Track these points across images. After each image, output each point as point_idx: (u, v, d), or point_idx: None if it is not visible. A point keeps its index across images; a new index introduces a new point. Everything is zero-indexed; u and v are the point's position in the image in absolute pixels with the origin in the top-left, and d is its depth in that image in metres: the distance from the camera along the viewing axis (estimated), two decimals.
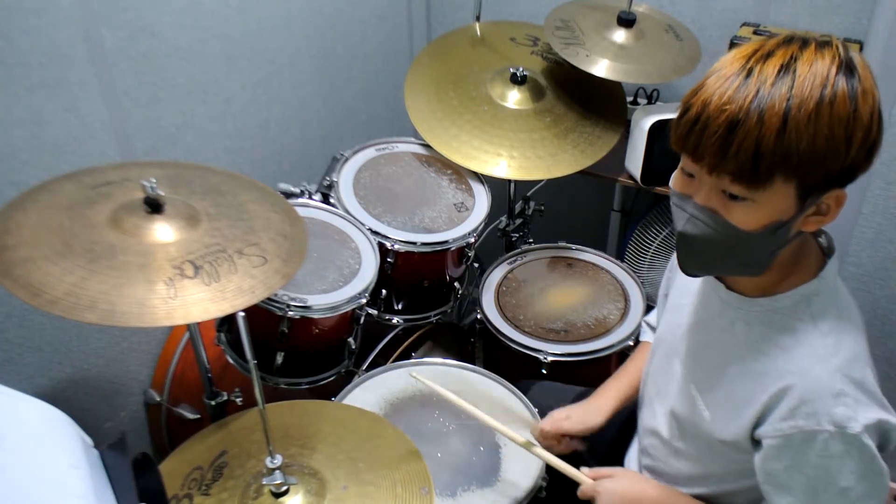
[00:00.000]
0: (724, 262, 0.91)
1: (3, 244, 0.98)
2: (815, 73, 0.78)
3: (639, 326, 1.60)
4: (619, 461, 1.30)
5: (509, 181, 1.83)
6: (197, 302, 0.99)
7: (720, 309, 1.00)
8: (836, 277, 0.94)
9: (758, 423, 0.92)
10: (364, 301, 1.42)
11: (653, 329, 1.37)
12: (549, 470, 1.23)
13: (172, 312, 0.97)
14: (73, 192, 1.10)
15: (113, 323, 0.93)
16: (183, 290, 1.00)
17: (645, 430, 1.19)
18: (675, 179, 0.91)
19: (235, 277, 1.05)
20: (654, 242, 1.92)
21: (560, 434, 1.24)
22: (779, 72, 0.79)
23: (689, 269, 0.95)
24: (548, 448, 1.22)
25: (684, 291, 1.10)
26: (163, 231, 1.06)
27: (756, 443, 0.93)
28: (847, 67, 0.79)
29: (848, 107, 0.78)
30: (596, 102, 1.73)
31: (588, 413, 1.25)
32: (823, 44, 0.81)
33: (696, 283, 1.06)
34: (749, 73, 0.80)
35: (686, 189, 0.89)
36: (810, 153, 0.78)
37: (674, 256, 1.19)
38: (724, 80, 0.81)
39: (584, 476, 1.13)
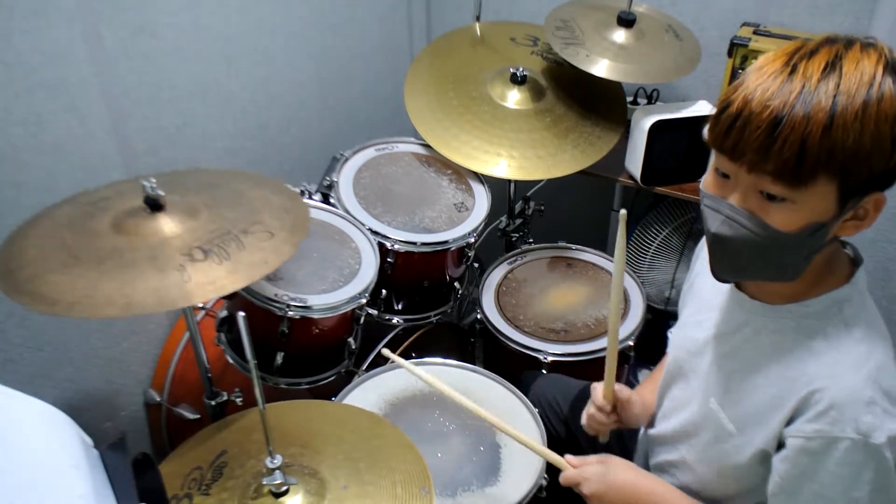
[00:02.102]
0: (759, 266, 0.88)
1: (10, 268, 1.02)
2: (861, 71, 0.77)
3: (638, 326, 1.60)
4: None
5: (509, 181, 1.83)
6: (213, 280, 1.02)
7: (745, 319, 0.98)
8: (864, 286, 0.93)
9: (786, 426, 0.90)
10: (364, 301, 1.42)
11: None
12: (550, 470, 1.23)
13: (190, 294, 1.00)
14: (69, 211, 1.14)
15: (132, 313, 0.96)
16: (196, 273, 1.02)
17: (658, 450, 1.17)
18: (707, 181, 0.89)
19: (245, 254, 1.08)
20: (654, 242, 1.92)
21: (615, 407, 1.18)
22: (824, 69, 0.77)
23: (722, 273, 0.93)
24: (594, 413, 1.19)
25: (701, 307, 1.08)
26: (166, 226, 1.08)
27: (779, 445, 0.92)
28: (893, 68, 0.78)
29: (895, 106, 0.77)
30: (596, 102, 1.73)
31: (645, 409, 1.20)
32: (868, 44, 0.79)
33: (716, 297, 1.04)
34: (793, 70, 0.78)
35: (720, 190, 0.87)
36: (856, 152, 0.76)
37: (691, 272, 1.19)
38: (767, 76, 0.79)
39: (566, 463, 1.11)
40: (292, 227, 1.16)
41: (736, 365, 0.99)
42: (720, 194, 0.87)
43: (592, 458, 1.11)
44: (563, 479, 1.11)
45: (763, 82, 0.79)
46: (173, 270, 1.02)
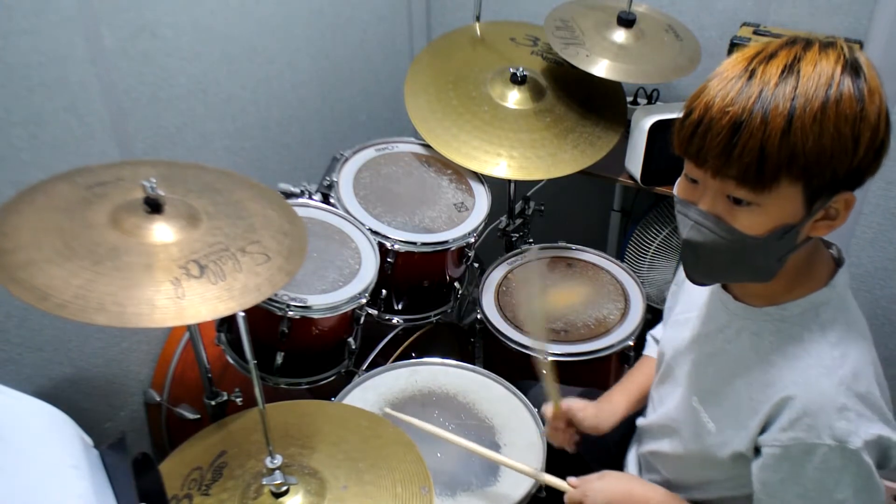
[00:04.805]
0: (731, 269, 0.89)
1: (1, 248, 0.97)
2: (819, 73, 0.77)
3: (638, 326, 1.60)
4: (619, 466, 1.30)
5: (509, 181, 1.83)
6: (205, 301, 1.00)
7: (727, 320, 0.98)
8: (846, 288, 0.93)
9: (761, 433, 0.91)
10: (364, 301, 1.42)
11: (657, 342, 1.35)
12: (549, 470, 1.23)
13: (182, 312, 0.98)
14: (67, 192, 1.10)
15: (123, 324, 0.94)
16: (190, 290, 1.00)
17: (646, 440, 1.18)
18: (678, 186, 0.90)
19: (241, 276, 1.06)
20: (654, 242, 1.92)
21: (569, 421, 1.23)
22: (782, 72, 0.78)
23: (695, 277, 0.93)
24: (552, 431, 1.24)
25: (690, 306, 1.08)
26: (164, 231, 1.06)
27: (756, 451, 0.93)
28: (852, 67, 0.78)
29: (854, 106, 0.76)
30: (596, 102, 1.73)
31: (601, 414, 1.24)
32: (827, 45, 0.80)
33: (702, 296, 1.05)
34: (752, 75, 0.79)
35: (690, 195, 0.87)
36: (817, 153, 0.76)
37: (680, 271, 1.19)
38: (727, 82, 0.80)
39: (566, 485, 1.13)
40: (289, 252, 1.15)
41: (718, 365, 0.99)
42: (690, 199, 0.87)
43: (592, 476, 1.13)
44: (568, 499, 1.13)
45: (723, 88, 0.80)
46: (168, 283, 1.00)
